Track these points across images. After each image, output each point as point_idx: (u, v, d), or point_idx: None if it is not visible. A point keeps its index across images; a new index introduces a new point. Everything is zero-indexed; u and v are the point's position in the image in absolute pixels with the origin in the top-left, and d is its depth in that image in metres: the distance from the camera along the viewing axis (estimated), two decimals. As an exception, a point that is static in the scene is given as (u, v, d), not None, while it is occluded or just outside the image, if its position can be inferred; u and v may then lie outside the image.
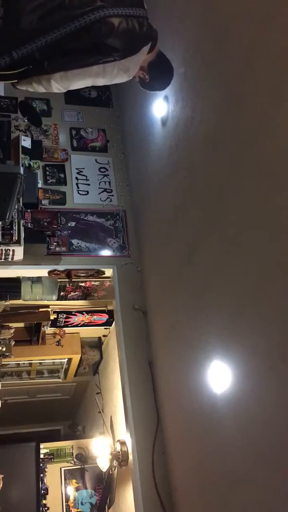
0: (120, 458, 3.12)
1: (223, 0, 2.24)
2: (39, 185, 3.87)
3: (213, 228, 2.31)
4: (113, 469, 3.35)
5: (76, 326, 4.95)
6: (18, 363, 5.62)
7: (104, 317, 4.89)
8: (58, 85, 1.67)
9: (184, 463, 2.71)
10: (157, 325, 3.30)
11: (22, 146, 3.91)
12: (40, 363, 5.72)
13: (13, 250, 3.28)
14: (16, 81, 1.69)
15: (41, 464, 4.94)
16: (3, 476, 4.25)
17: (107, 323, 4.92)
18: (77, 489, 4.91)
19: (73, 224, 3.84)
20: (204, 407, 2.32)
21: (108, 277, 3.91)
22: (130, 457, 3.04)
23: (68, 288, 4.34)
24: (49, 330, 4.99)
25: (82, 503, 4.82)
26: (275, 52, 1.73)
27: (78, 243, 3.78)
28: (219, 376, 2.11)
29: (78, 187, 4.06)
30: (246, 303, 1.94)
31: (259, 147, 1.84)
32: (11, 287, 4.11)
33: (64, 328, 5.01)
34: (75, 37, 1.58)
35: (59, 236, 3.74)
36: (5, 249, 3.25)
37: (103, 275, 3.88)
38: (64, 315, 4.81)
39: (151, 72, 1.88)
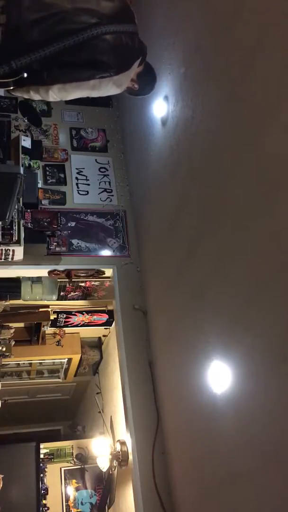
0: (120, 458, 3.12)
1: (223, 0, 2.24)
2: (39, 185, 3.87)
3: (213, 228, 2.31)
4: (113, 469, 3.35)
5: (76, 326, 4.95)
6: (18, 363, 5.62)
7: (104, 317, 4.89)
8: (55, 95, 1.71)
9: (184, 463, 2.71)
10: (157, 325, 3.30)
11: (22, 146, 3.91)
12: (40, 363, 5.72)
13: (13, 250, 3.28)
14: (12, 88, 1.71)
15: (41, 464, 4.94)
16: (3, 476, 4.25)
17: (107, 323, 4.93)
18: (77, 489, 4.91)
19: (73, 224, 3.84)
20: (204, 407, 2.32)
21: (108, 277, 3.91)
22: (130, 457, 3.05)
23: (68, 288, 4.34)
24: (49, 330, 4.99)
25: (82, 503, 4.82)
26: (276, 52, 1.73)
27: (78, 243, 3.78)
28: (219, 376, 2.11)
29: (78, 187, 4.06)
30: (246, 303, 1.94)
31: (259, 146, 1.84)
32: (11, 287, 4.12)
33: (64, 328, 5.02)
34: (72, 51, 1.62)
35: (59, 236, 3.75)
36: (5, 249, 3.25)
37: (103, 275, 3.88)
38: (64, 315, 4.82)
39: (140, 81, 1.94)
